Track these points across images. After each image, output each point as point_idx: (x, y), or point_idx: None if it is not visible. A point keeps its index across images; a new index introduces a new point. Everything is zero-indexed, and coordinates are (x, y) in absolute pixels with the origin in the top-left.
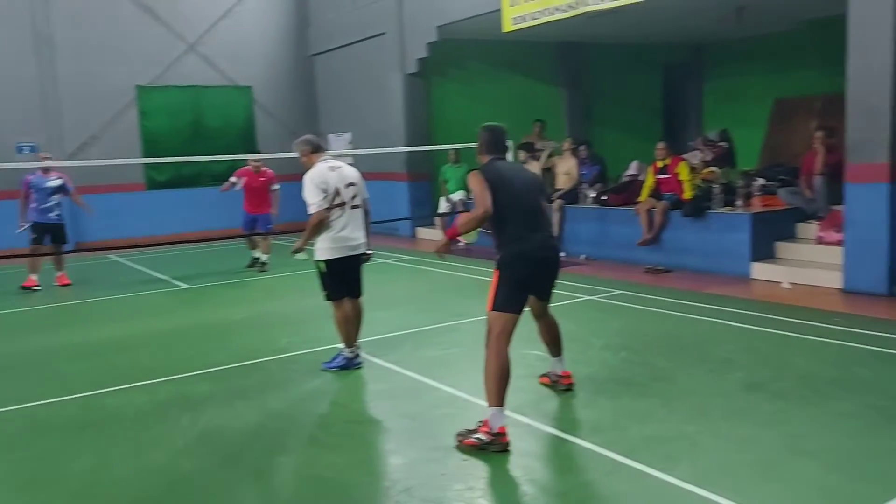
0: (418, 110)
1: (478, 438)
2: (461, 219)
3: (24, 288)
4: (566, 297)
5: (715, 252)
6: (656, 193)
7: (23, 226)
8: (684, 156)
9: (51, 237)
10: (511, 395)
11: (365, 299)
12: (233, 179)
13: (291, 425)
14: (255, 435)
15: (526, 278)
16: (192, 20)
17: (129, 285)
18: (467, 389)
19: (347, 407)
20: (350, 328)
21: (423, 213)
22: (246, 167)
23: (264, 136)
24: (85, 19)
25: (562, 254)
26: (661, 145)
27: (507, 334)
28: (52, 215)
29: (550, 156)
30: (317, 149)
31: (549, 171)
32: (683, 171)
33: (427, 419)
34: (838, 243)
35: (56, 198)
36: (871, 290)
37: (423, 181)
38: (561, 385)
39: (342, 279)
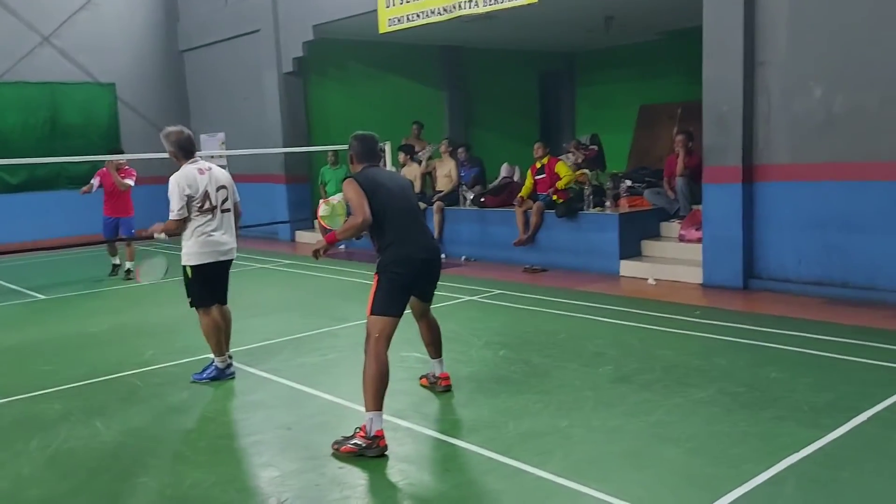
0: (296, 110)
1: (355, 444)
2: (341, 226)
3: None
4: (447, 298)
5: (586, 251)
6: (532, 194)
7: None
8: (560, 157)
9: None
10: (391, 398)
11: (241, 306)
12: (93, 181)
13: (155, 443)
14: (114, 456)
15: (408, 281)
16: (46, 10)
17: None
18: (346, 395)
19: (217, 420)
20: (220, 336)
21: (302, 216)
22: (105, 168)
23: (129, 135)
24: None
25: (442, 256)
26: (538, 145)
27: (386, 338)
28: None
29: (430, 158)
30: (187, 153)
31: (429, 174)
32: (563, 168)
33: (303, 428)
34: (698, 241)
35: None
36: (728, 283)
37: (302, 183)
38: (440, 387)
39: (211, 285)
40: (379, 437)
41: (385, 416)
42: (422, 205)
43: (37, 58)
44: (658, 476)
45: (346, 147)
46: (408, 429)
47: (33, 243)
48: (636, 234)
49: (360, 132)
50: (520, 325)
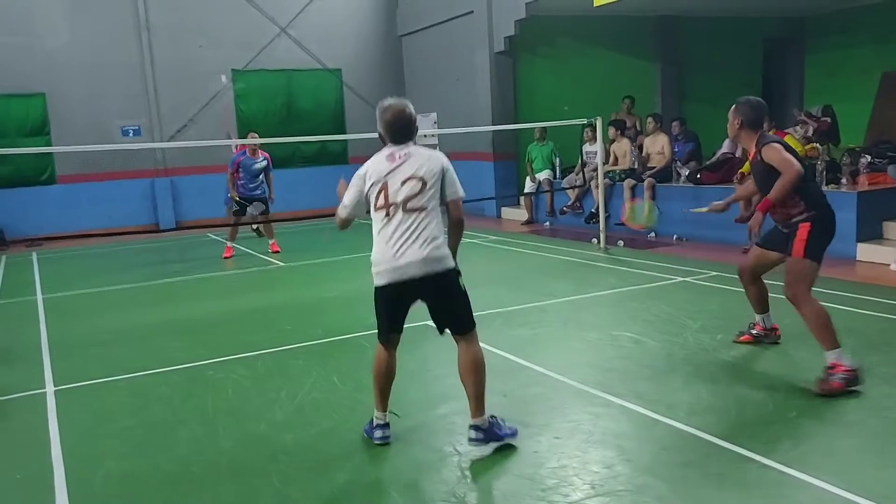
0: (505, 89)
1: (842, 379)
2: (777, 186)
3: (226, 258)
4: (659, 279)
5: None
6: None
7: (234, 198)
8: (787, 130)
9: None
10: (603, 375)
11: None
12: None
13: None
14: (350, 409)
15: (833, 232)
16: (283, 4)
17: (225, 263)
18: (557, 369)
19: (439, 381)
20: (380, 384)
21: (509, 192)
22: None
23: (353, 118)
24: (181, 4)
25: (651, 234)
26: None
27: (809, 284)
28: (258, 192)
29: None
30: (395, 138)
31: (640, 148)
32: (791, 142)
33: (518, 397)
34: None
35: (261, 177)
36: None
37: (509, 160)
38: (772, 336)
39: (388, 312)
40: (855, 369)
41: (598, 393)
42: (630, 181)
43: (275, 48)
44: None
45: (552, 124)
46: (622, 406)
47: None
48: (877, 214)
49: (751, 98)
50: (739, 309)
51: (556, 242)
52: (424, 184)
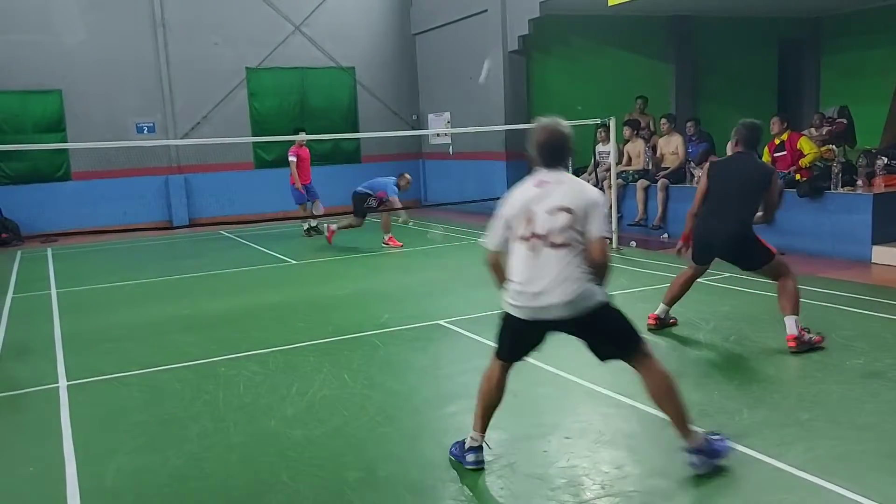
0: (518, 88)
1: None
2: None
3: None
4: (671, 280)
5: (832, 234)
6: None
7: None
8: (802, 132)
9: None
10: (613, 377)
11: (463, 277)
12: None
13: (394, 398)
14: (361, 406)
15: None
16: (298, 2)
17: (238, 260)
18: (569, 369)
19: (452, 380)
20: (484, 403)
21: None
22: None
23: (366, 116)
24: (196, 1)
25: (664, 236)
26: (775, 120)
27: None
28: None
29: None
30: (544, 160)
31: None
32: (807, 144)
33: (529, 396)
34: None
35: None
36: None
37: (522, 160)
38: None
39: (514, 341)
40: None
41: (609, 394)
42: (644, 182)
43: (289, 46)
44: None
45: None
46: (633, 407)
47: (285, 213)
48: (892, 216)
49: (748, 120)
50: (752, 310)
51: None
52: (573, 217)
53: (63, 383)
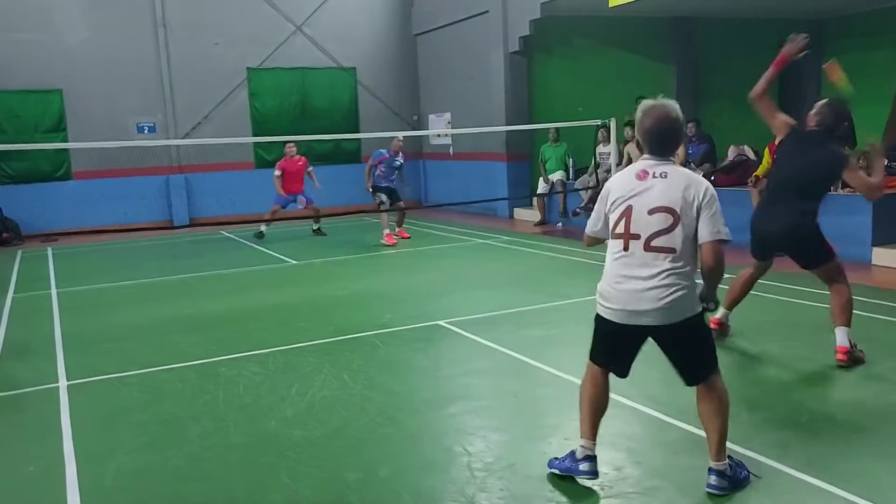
0: (519, 89)
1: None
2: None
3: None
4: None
5: (832, 236)
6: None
7: (368, 188)
8: None
9: (389, 197)
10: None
11: (465, 278)
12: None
13: (395, 398)
14: (361, 407)
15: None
16: (299, 2)
17: (239, 260)
18: (569, 370)
19: (452, 381)
20: (589, 408)
21: (522, 193)
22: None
23: (367, 117)
24: (197, 1)
25: None
26: None
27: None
28: (392, 184)
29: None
30: (649, 146)
31: None
32: None
33: (529, 397)
34: None
35: (398, 173)
36: None
37: (523, 161)
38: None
39: (610, 347)
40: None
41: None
42: None
43: (291, 46)
44: None
45: (566, 124)
46: (632, 408)
47: (285, 213)
48: (893, 218)
49: (835, 100)
50: (754, 312)
51: (569, 243)
52: (677, 218)
53: (63, 383)
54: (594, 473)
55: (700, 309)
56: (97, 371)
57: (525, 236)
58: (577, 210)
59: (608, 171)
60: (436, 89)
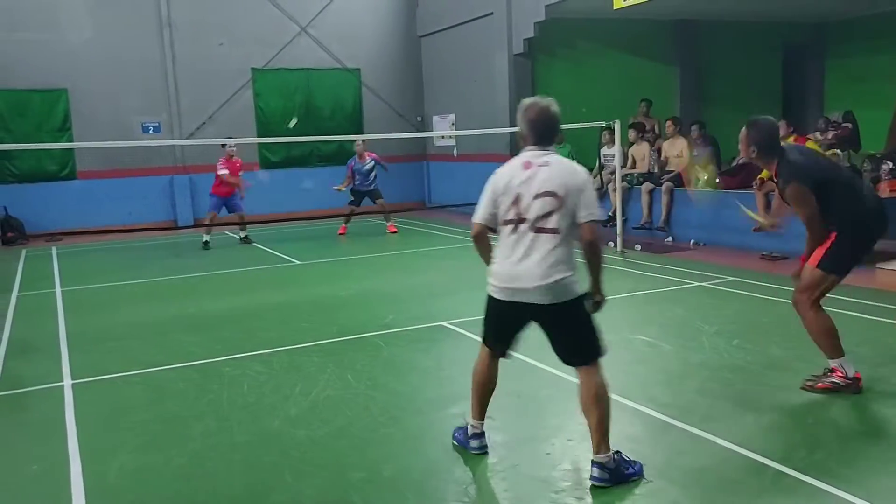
0: (523, 91)
1: (833, 382)
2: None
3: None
4: (675, 283)
5: None
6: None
7: (341, 188)
8: (808, 136)
9: (370, 197)
10: (616, 379)
11: (458, 279)
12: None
13: (397, 398)
14: (364, 407)
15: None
16: (304, 3)
17: (242, 260)
18: (571, 372)
19: (454, 380)
20: (479, 389)
21: None
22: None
23: (371, 118)
24: (202, 1)
25: (668, 239)
26: (781, 123)
27: (822, 296)
28: (369, 186)
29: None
30: (535, 138)
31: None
32: (812, 148)
33: (531, 398)
34: None
35: (372, 174)
36: None
37: None
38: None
39: (499, 327)
40: (857, 378)
41: (612, 396)
42: (649, 185)
43: (295, 47)
44: None
45: (571, 126)
46: (636, 410)
47: (289, 214)
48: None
49: (759, 121)
50: (756, 314)
51: None
52: (560, 202)
53: (67, 382)
54: (483, 448)
55: (581, 293)
56: (101, 370)
57: None
58: None
59: (612, 173)
60: (440, 91)
